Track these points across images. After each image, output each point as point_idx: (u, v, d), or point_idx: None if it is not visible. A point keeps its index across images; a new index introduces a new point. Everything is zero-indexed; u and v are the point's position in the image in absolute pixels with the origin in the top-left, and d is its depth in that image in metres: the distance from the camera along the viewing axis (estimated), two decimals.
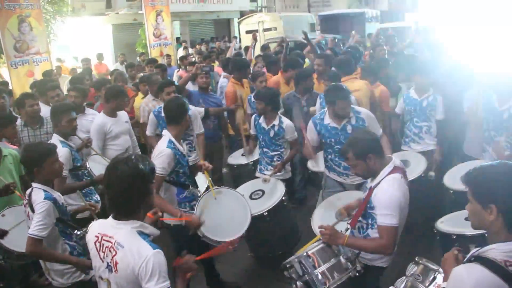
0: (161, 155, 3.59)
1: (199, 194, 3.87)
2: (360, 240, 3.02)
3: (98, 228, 2.26)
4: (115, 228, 2.15)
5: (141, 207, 2.19)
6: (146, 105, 6.08)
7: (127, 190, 2.10)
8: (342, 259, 2.89)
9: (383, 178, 2.94)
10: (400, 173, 2.97)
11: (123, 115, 5.36)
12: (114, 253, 2.10)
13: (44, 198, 3.02)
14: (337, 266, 2.89)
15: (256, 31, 18.28)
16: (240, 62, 6.89)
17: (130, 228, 2.12)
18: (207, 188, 3.93)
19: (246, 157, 5.49)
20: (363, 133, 3.29)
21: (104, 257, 2.16)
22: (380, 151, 3.04)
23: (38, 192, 3.09)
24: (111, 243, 2.12)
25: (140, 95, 6.71)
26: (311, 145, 4.45)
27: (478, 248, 1.93)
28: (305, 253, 2.94)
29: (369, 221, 3.04)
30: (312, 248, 2.96)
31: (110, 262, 2.12)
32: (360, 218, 3.08)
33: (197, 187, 4.00)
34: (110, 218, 2.21)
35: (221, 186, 4.15)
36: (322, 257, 2.92)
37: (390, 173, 2.94)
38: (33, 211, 3.04)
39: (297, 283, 2.93)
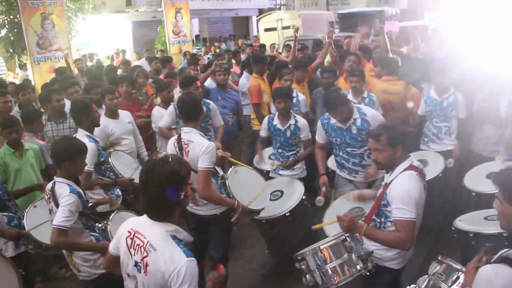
0: (210, 149, 3.57)
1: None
2: (379, 232, 2.93)
3: (132, 224, 2.21)
4: (149, 228, 2.10)
5: (176, 210, 2.14)
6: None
7: (163, 193, 2.04)
8: (354, 257, 2.86)
9: (399, 174, 2.92)
10: (416, 171, 2.94)
11: (125, 115, 5.16)
12: (145, 254, 2.05)
13: (70, 192, 3.03)
14: (349, 263, 2.86)
15: (275, 29, 18.33)
16: (258, 56, 6.92)
17: (164, 231, 2.06)
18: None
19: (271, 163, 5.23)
20: (400, 124, 3.34)
21: (134, 254, 2.11)
22: (408, 147, 3.07)
23: (62, 186, 3.09)
24: (143, 242, 2.07)
25: None
26: (320, 143, 4.53)
27: (507, 250, 1.92)
28: (318, 247, 2.93)
29: (382, 220, 3.00)
30: (326, 242, 2.94)
31: (140, 262, 2.07)
32: (373, 217, 3.05)
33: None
34: (145, 216, 2.15)
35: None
36: (335, 253, 2.89)
37: (405, 169, 2.92)
38: (57, 205, 3.03)
39: (307, 275, 2.93)
